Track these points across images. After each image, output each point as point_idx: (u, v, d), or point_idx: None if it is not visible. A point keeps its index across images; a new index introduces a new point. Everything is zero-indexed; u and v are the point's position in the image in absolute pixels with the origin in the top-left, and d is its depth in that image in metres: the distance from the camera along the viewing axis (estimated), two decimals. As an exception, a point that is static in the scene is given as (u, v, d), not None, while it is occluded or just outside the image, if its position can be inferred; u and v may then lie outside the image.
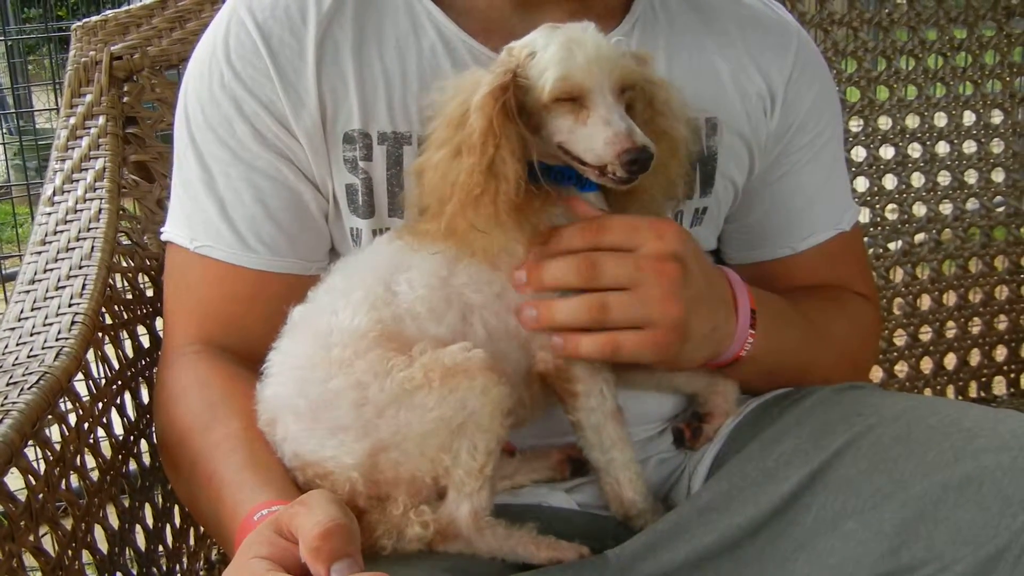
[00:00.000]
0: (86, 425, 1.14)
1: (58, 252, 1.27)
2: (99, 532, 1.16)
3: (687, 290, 1.05)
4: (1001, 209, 2.06)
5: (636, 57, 1.07)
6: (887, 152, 1.97)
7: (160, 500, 1.36)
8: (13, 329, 1.14)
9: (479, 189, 0.99)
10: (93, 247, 1.26)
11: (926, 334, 2.05)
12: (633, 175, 0.99)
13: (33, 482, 0.98)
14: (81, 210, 1.33)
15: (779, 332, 1.17)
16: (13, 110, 3.73)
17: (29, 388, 1.01)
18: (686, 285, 1.05)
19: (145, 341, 1.35)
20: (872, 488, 0.99)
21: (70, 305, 1.17)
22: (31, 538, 0.96)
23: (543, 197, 1.04)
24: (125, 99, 1.46)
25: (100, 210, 1.32)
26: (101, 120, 1.43)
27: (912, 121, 1.98)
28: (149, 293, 1.36)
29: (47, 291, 1.20)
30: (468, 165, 0.99)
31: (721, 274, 1.15)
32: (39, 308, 1.17)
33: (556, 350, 1.06)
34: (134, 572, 1.24)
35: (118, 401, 1.25)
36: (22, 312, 1.17)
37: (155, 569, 1.31)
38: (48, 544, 1.01)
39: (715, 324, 1.10)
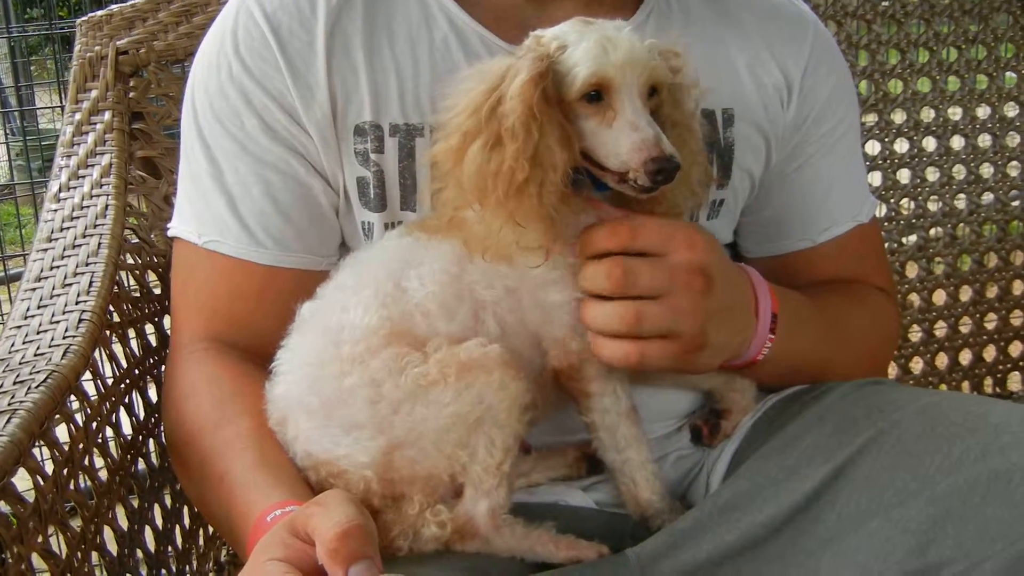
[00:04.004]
0: (94, 424, 1.12)
1: (64, 249, 1.25)
2: (108, 533, 1.14)
3: (711, 302, 1.03)
4: (1016, 203, 2.04)
5: (668, 54, 1.03)
6: (901, 146, 1.95)
7: (169, 500, 1.35)
8: (19, 327, 1.12)
9: (523, 176, 0.95)
10: (100, 244, 1.25)
11: (941, 330, 2.04)
12: (656, 185, 0.96)
13: (41, 482, 0.97)
14: (87, 206, 1.32)
15: (799, 333, 1.16)
16: (16, 109, 3.71)
17: (36, 387, 0.99)
18: (711, 297, 1.03)
19: (153, 339, 1.33)
20: (897, 485, 0.97)
21: (77, 303, 1.15)
22: (40, 539, 0.94)
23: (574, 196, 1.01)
24: (131, 94, 1.44)
25: (107, 206, 1.31)
26: (107, 116, 1.41)
27: (926, 115, 1.96)
28: (157, 291, 1.35)
29: (54, 288, 1.18)
30: (512, 152, 0.95)
31: (744, 279, 1.12)
32: (46, 306, 1.15)
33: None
34: (143, 574, 1.23)
35: (126, 400, 1.24)
36: (28, 310, 1.15)
37: (165, 570, 1.29)
38: (57, 545, 0.99)
39: (734, 332, 1.09)
